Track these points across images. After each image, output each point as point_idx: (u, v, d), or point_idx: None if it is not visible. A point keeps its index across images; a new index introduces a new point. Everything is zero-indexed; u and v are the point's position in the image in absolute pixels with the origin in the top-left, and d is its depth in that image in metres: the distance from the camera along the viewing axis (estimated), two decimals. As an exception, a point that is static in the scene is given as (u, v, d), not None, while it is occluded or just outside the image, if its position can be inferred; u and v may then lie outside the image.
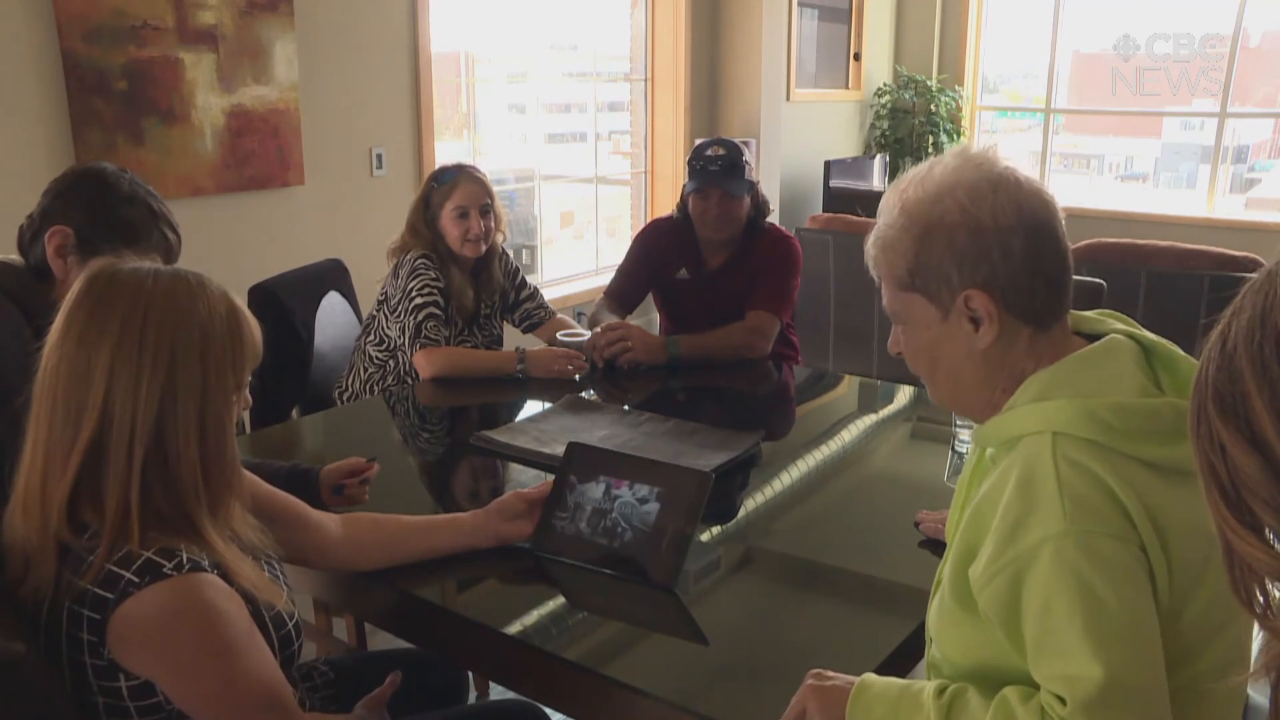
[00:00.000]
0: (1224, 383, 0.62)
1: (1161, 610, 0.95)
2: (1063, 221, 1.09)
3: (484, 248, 2.57)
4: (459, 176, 2.56)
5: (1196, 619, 0.98)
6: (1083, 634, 0.91)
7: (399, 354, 2.57)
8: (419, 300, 2.47)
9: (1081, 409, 1.00)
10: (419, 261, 2.51)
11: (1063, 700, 0.92)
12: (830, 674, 1.11)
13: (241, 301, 1.24)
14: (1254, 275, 0.63)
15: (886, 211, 1.12)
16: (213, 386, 1.18)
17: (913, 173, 1.11)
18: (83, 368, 1.14)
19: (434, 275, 2.50)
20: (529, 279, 2.80)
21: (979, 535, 1.03)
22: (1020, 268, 1.05)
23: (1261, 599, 0.63)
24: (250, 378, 1.25)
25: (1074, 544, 0.93)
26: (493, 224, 2.58)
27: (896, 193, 1.11)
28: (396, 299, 2.52)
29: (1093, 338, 1.10)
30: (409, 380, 2.54)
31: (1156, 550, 0.95)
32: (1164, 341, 1.08)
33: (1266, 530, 0.61)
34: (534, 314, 2.78)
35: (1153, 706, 0.92)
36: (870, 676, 1.09)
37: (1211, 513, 0.64)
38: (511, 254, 2.79)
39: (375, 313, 2.62)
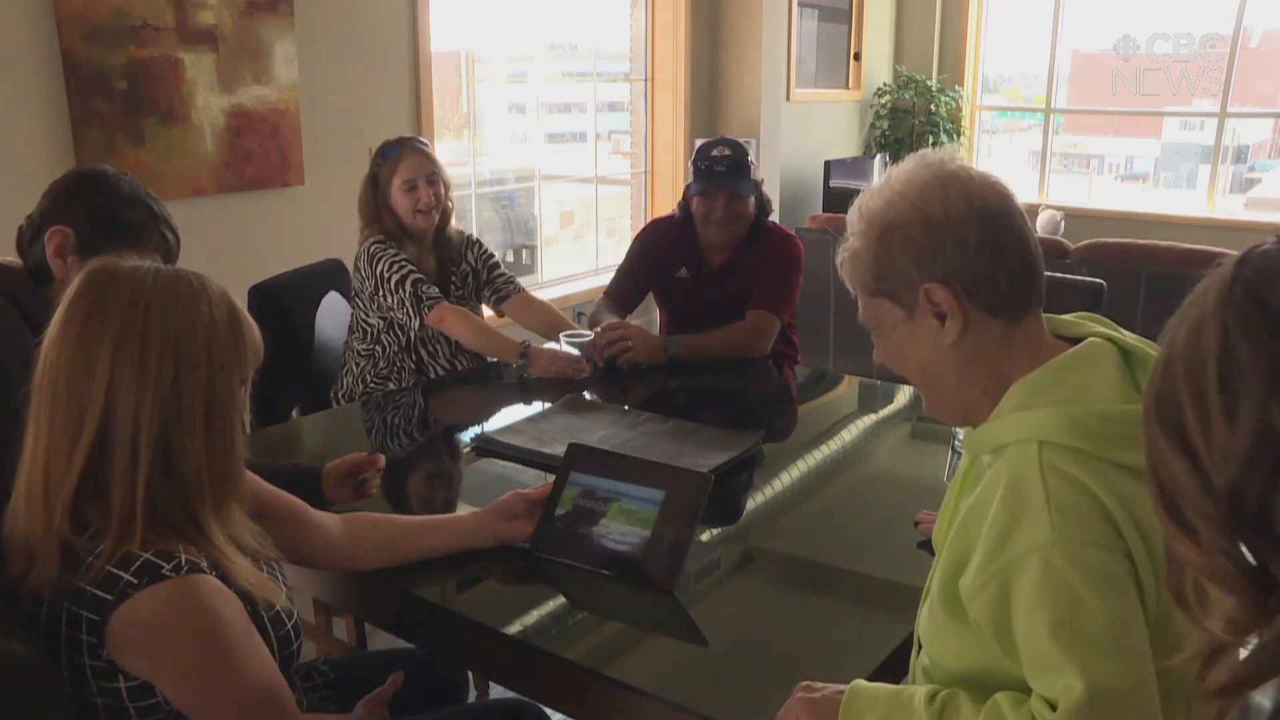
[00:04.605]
0: (1164, 391, 0.66)
1: (1150, 616, 0.95)
2: (1023, 212, 1.10)
3: (436, 217, 2.60)
4: (402, 150, 2.59)
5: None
6: (1070, 643, 0.92)
7: (383, 337, 2.59)
8: (397, 275, 2.49)
9: (1066, 417, 1.00)
10: (373, 246, 2.55)
11: (1052, 706, 0.93)
12: (818, 685, 1.11)
13: (240, 302, 1.24)
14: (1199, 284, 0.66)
15: (850, 224, 1.15)
16: (219, 383, 1.18)
17: (872, 185, 1.15)
18: (84, 364, 1.13)
19: (394, 251, 2.54)
20: (528, 279, 2.81)
21: (968, 545, 1.03)
22: (977, 257, 1.06)
23: (1191, 594, 0.67)
24: (254, 375, 1.25)
25: (1061, 554, 0.94)
26: (441, 191, 2.61)
27: (857, 206, 1.14)
28: (370, 287, 2.54)
29: (1072, 340, 1.10)
30: (400, 362, 2.55)
31: (1143, 556, 0.95)
32: (1143, 343, 1.09)
33: (1198, 532, 0.64)
34: (502, 288, 2.74)
35: (1142, 712, 0.92)
36: (860, 684, 1.09)
37: (1155, 513, 0.68)
38: (498, 254, 2.79)
39: (353, 310, 2.64)
